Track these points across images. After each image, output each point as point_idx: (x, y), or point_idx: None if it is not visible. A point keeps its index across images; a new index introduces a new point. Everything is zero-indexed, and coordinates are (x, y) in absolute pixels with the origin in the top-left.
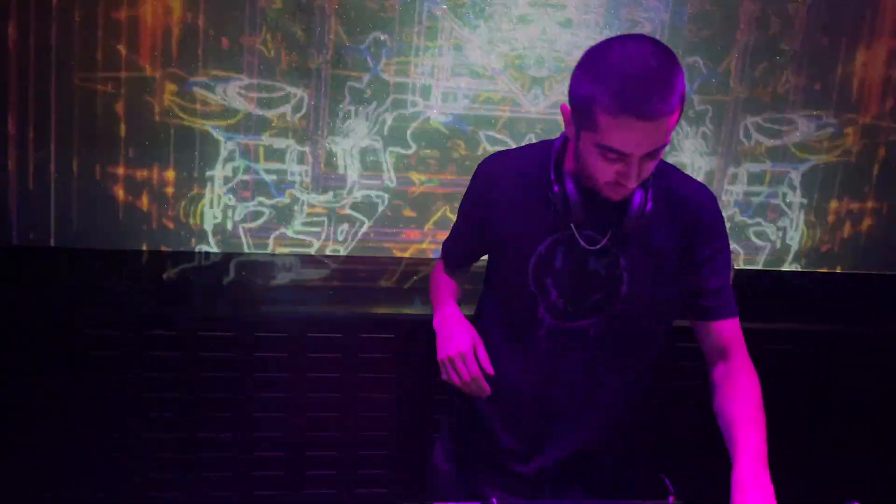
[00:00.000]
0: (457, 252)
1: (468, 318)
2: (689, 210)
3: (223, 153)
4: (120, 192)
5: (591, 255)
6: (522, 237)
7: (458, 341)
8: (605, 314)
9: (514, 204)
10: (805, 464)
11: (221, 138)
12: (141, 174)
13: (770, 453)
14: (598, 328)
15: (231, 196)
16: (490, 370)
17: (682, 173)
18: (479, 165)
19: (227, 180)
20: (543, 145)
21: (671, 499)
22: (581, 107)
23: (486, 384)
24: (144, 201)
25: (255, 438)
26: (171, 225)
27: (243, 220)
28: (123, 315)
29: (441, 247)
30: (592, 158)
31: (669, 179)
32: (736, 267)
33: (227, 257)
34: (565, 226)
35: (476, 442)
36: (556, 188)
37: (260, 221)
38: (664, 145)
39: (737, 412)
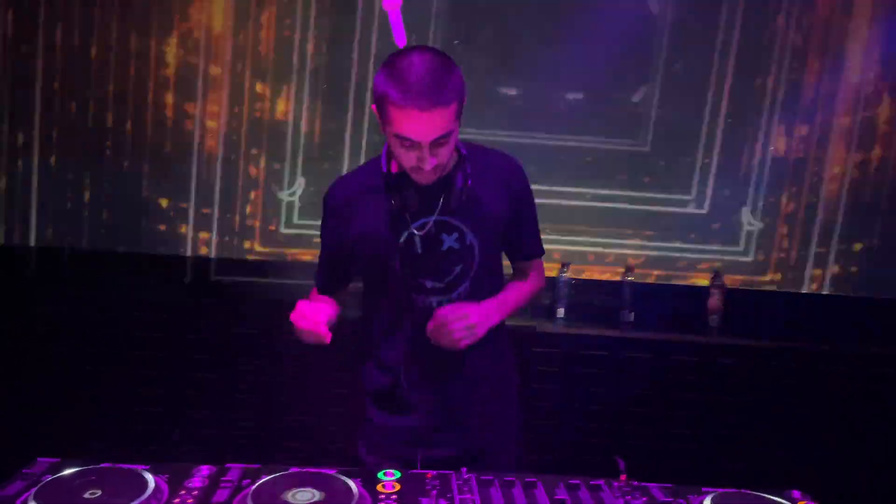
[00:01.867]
0: (328, 277)
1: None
2: (508, 178)
3: None
4: None
5: (441, 234)
6: (382, 240)
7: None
8: (469, 280)
9: (366, 213)
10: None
11: None
12: None
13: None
14: (466, 294)
15: None
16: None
17: (495, 151)
18: (325, 195)
19: None
20: (373, 160)
21: (622, 477)
22: (379, 104)
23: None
24: None
25: None
26: None
27: None
28: None
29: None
30: (395, 148)
31: (487, 157)
32: None
33: None
34: (407, 217)
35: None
36: (393, 189)
37: None
38: (448, 133)
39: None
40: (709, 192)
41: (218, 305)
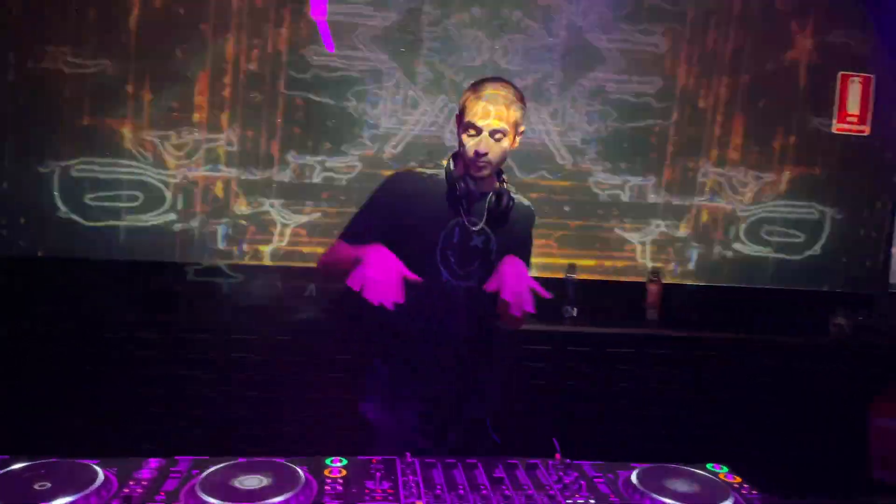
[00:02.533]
0: (366, 231)
1: None
2: (524, 217)
3: None
4: None
5: (473, 234)
6: (431, 221)
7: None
8: (482, 274)
9: (426, 197)
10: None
11: None
12: None
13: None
14: (477, 286)
15: None
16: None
17: (521, 198)
18: (392, 177)
19: None
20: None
21: (557, 456)
22: (460, 106)
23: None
24: None
25: None
26: None
27: None
28: None
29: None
30: (462, 138)
31: (516, 204)
32: None
33: None
34: (459, 214)
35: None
36: (462, 184)
37: None
38: (505, 131)
39: None
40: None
41: None
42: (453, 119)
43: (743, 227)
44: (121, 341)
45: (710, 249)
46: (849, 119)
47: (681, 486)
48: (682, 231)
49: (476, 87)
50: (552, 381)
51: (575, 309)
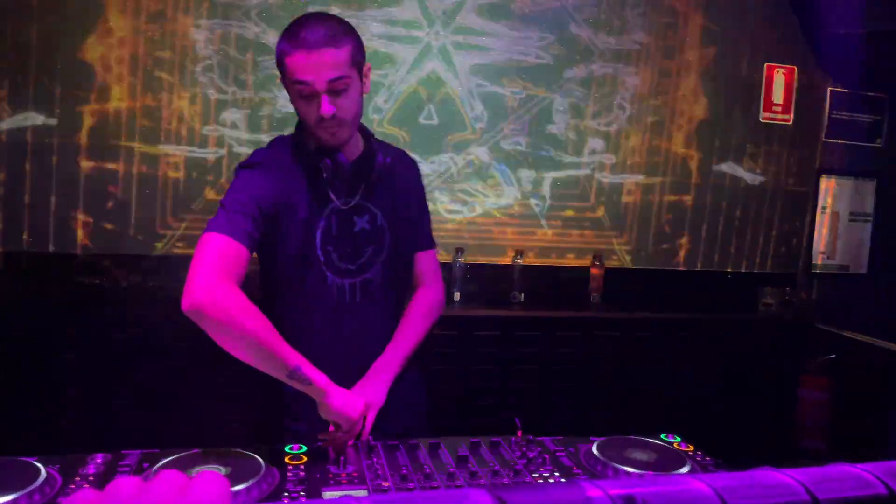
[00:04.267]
0: (250, 226)
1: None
2: (408, 170)
3: None
4: None
5: (353, 215)
6: (307, 221)
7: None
8: (380, 264)
9: (290, 182)
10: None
11: None
12: None
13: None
14: (377, 276)
15: None
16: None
17: (391, 145)
18: (251, 157)
19: None
20: (284, 140)
21: (519, 433)
22: (279, 65)
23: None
24: None
25: None
26: None
27: None
28: None
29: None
30: (296, 103)
31: (388, 150)
32: None
33: None
34: (327, 195)
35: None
36: (323, 161)
37: None
38: (344, 78)
39: (402, 319)
40: None
41: None
42: (278, 84)
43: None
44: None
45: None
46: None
47: (639, 455)
48: None
49: (288, 35)
50: (502, 365)
51: (522, 294)
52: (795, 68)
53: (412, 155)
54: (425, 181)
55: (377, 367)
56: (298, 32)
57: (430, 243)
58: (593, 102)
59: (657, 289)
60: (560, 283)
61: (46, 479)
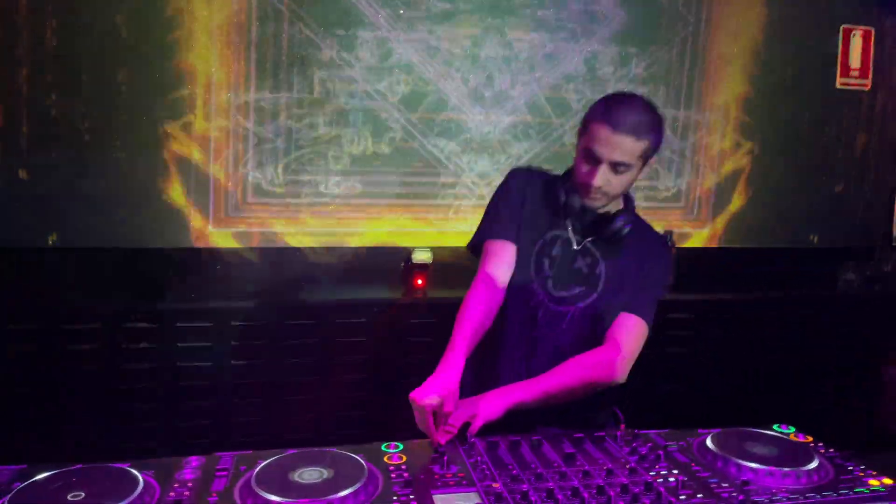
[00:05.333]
0: (509, 225)
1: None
2: (652, 252)
3: None
4: None
5: (577, 254)
6: (535, 230)
7: (428, 392)
8: (581, 305)
9: (534, 203)
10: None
11: None
12: None
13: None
14: (575, 317)
15: None
16: (439, 438)
17: (650, 227)
18: (513, 172)
19: None
20: (555, 174)
21: (622, 426)
22: (583, 122)
23: (434, 436)
24: None
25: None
26: None
27: None
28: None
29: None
30: (578, 158)
31: (644, 230)
32: None
33: None
34: (563, 225)
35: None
36: (561, 194)
37: None
38: (628, 165)
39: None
40: None
41: None
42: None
43: None
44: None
45: None
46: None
47: (760, 448)
48: None
49: (605, 105)
50: None
51: None
52: (872, 30)
53: None
54: None
55: (511, 386)
56: (614, 108)
57: (640, 310)
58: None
59: (729, 267)
60: None
61: (145, 487)
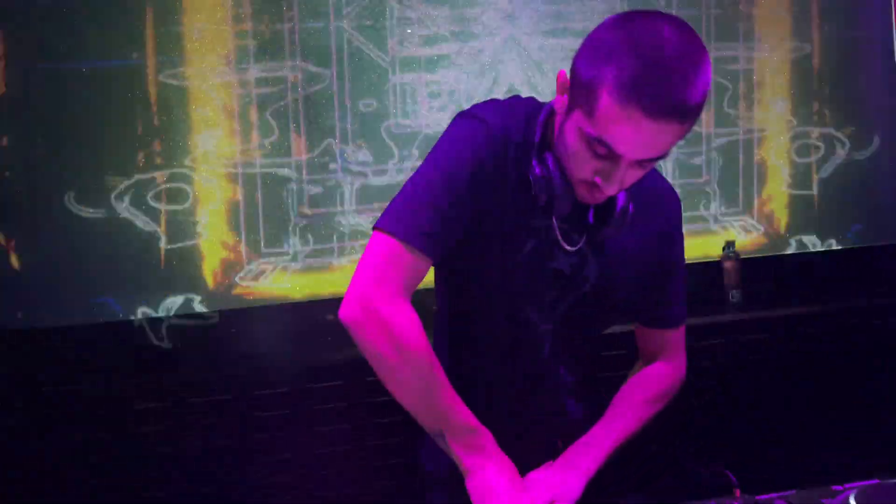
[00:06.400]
0: (444, 228)
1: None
2: (663, 213)
3: None
4: None
5: (561, 252)
6: (514, 229)
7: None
8: (567, 311)
9: (503, 185)
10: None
11: None
12: None
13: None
14: (564, 326)
15: None
16: None
17: (655, 182)
18: (468, 124)
19: None
20: (529, 107)
21: (738, 492)
22: (585, 83)
23: None
24: None
25: None
26: None
27: None
28: None
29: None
30: (576, 147)
31: (641, 183)
32: None
33: None
34: (545, 216)
35: None
36: (538, 171)
37: None
38: (656, 159)
39: (618, 395)
40: None
41: None
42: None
43: None
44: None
45: None
46: None
47: None
48: None
49: (635, 64)
50: None
51: None
52: None
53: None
54: None
55: (573, 454)
56: (651, 76)
57: (674, 320)
58: None
59: (789, 277)
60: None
61: None
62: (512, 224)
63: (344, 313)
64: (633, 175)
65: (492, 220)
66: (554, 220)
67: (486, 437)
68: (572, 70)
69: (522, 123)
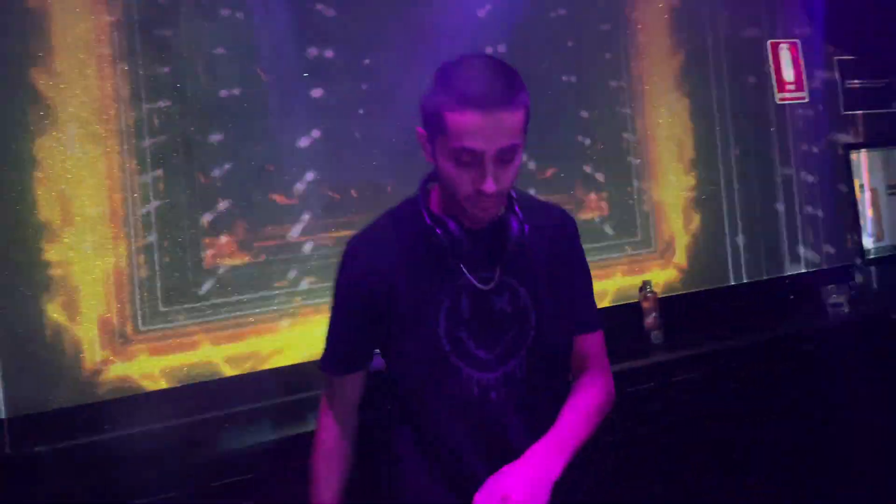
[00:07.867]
0: (351, 351)
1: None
2: (557, 226)
3: None
4: None
5: (492, 294)
6: (424, 299)
7: None
8: (525, 350)
9: (403, 270)
10: None
11: None
12: None
13: None
14: (522, 367)
15: None
16: None
17: (539, 200)
18: (350, 249)
19: None
20: (405, 205)
21: None
22: (432, 117)
23: None
24: None
25: None
26: None
27: None
28: None
29: (322, 365)
30: (449, 168)
31: (532, 207)
32: None
33: None
34: (459, 270)
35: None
36: (437, 230)
37: None
38: (513, 147)
39: (565, 406)
40: None
41: None
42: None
43: None
44: None
45: None
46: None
47: None
48: None
49: (452, 85)
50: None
51: None
52: (798, 42)
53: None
54: None
55: (535, 453)
56: (467, 82)
57: (593, 324)
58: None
59: (706, 312)
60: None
61: None
62: (424, 294)
63: None
64: (505, 172)
65: (405, 304)
66: (462, 267)
67: None
68: (421, 113)
69: (408, 206)
